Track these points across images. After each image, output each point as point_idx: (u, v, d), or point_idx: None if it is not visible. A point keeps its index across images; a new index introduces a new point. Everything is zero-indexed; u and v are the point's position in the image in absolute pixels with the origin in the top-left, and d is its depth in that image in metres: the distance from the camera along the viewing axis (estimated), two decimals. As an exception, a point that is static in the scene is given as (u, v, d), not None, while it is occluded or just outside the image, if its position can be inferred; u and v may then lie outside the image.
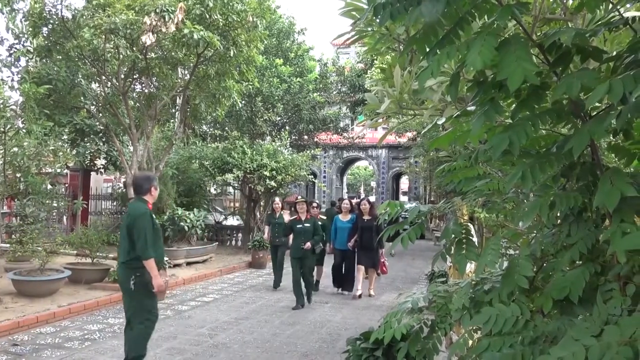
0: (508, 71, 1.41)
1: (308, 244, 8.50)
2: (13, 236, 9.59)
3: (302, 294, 8.62)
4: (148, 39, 7.96)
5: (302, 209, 9.02)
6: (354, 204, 10.92)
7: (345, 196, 32.32)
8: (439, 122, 2.28)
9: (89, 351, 5.83)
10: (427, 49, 1.63)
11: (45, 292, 8.10)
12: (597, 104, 1.72)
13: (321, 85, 19.43)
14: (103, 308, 7.98)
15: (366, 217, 9.51)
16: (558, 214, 1.92)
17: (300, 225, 8.85)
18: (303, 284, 8.71)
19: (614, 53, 1.86)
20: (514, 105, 1.77)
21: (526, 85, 1.62)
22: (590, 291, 1.71)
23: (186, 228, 12.16)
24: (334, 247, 10.02)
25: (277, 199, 11.30)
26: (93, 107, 11.14)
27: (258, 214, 15.50)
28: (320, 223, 9.34)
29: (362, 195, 51.06)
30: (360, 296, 9.39)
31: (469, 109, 1.92)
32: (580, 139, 1.48)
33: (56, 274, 8.48)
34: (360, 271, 9.53)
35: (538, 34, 1.92)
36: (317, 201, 11.46)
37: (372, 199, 32.22)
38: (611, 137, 1.92)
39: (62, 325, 6.97)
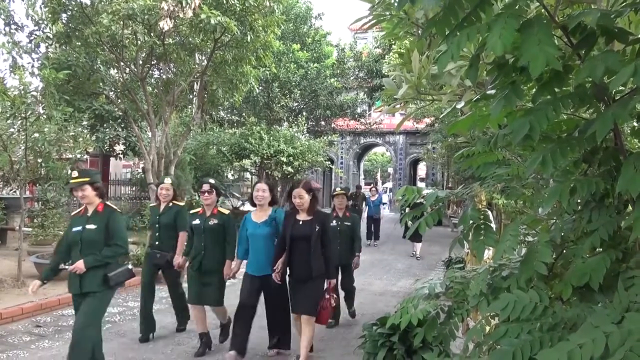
0: (530, 56, 1.38)
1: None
2: (35, 220, 9.78)
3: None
4: (166, 24, 7.97)
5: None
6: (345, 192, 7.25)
7: (362, 182, 32.28)
8: (458, 106, 2.25)
9: (109, 333, 5.94)
10: (447, 32, 1.60)
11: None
12: (621, 88, 1.69)
13: (338, 71, 19.33)
14: (123, 291, 8.11)
15: (302, 218, 5.02)
16: (579, 200, 1.89)
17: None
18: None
19: (640, 35, 1.81)
20: (535, 88, 1.74)
21: (548, 68, 1.59)
22: (610, 278, 1.68)
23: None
24: (246, 272, 5.30)
25: (166, 180, 6.31)
26: (112, 93, 11.24)
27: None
28: (215, 222, 5.43)
29: (380, 183, 50.73)
30: None
31: (488, 92, 1.89)
32: (603, 123, 1.44)
33: (77, 257, 8.63)
34: (299, 321, 5.08)
35: (561, 17, 1.87)
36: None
37: (389, 185, 31.88)
38: (635, 122, 1.88)
39: (83, 307, 7.11)
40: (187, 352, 5.49)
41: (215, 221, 5.44)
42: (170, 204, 6.07)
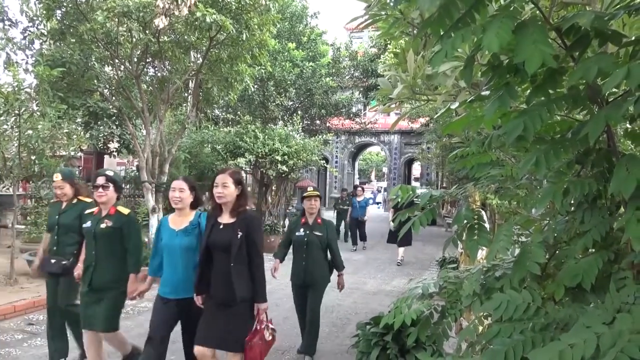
0: (525, 54, 1.38)
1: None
2: (28, 218, 9.74)
3: None
4: (161, 22, 7.93)
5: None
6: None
7: (357, 182, 32.28)
8: (453, 107, 2.26)
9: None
10: (442, 32, 1.60)
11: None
12: (615, 90, 1.69)
13: (334, 70, 19.31)
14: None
15: (223, 221, 3.75)
16: (572, 201, 1.90)
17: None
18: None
19: (634, 37, 1.82)
20: (529, 90, 1.74)
21: (542, 69, 1.59)
22: (603, 279, 1.69)
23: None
24: (158, 294, 4.06)
25: (55, 176, 5.02)
26: (106, 90, 11.19)
27: (269, 198, 15.68)
28: (108, 225, 4.23)
29: (375, 183, 50.59)
30: None
31: (483, 93, 1.89)
32: (596, 125, 1.45)
33: (70, 255, 8.59)
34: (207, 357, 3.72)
35: (555, 19, 1.88)
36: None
37: (384, 184, 31.76)
38: (628, 124, 1.89)
39: (76, 305, 7.09)
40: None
41: (110, 223, 4.19)
42: (75, 201, 4.93)
